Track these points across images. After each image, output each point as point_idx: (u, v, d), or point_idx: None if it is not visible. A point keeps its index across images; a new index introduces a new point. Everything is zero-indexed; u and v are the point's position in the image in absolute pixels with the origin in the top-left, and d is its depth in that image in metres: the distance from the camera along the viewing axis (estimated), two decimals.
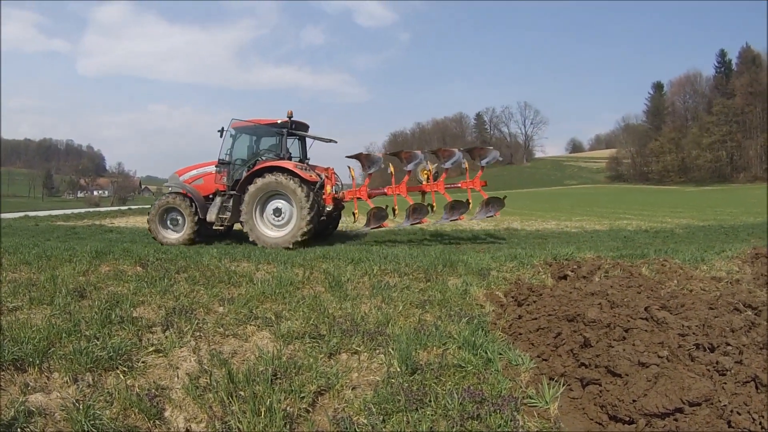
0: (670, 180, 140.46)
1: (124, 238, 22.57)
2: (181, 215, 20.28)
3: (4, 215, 43.94)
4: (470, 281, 9.65)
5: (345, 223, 24.61)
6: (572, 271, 10.07)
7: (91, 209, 64.52)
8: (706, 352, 5.55)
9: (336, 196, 20.06)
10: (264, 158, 20.07)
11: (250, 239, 18.87)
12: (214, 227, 19.99)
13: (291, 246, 17.93)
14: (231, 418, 5.28)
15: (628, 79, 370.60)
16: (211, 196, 20.50)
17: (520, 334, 7.37)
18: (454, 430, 4.98)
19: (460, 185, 19.97)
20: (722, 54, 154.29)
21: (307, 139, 22.00)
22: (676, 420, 4.70)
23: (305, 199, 18.41)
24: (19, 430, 4.99)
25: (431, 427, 5.08)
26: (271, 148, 20.64)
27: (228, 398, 5.51)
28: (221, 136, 20.33)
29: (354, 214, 20.72)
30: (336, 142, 22.79)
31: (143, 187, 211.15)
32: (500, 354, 6.60)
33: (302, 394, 5.67)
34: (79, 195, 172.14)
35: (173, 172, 21.53)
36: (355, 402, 5.65)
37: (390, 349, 6.62)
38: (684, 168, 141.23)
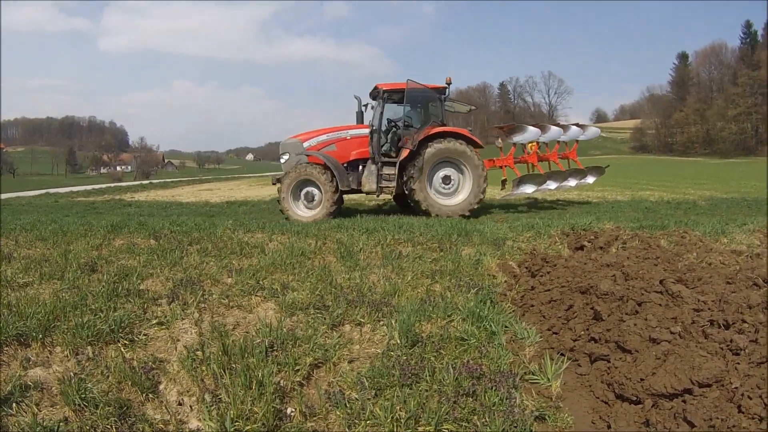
0: (694, 151, 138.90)
1: (143, 211, 22.31)
2: (317, 188, 18.15)
3: (25, 193, 43.91)
4: (484, 251, 9.56)
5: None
6: (589, 242, 9.94)
7: (113, 184, 64.29)
8: (721, 329, 5.31)
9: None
10: (430, 124, 18.72)
11: (422, 208, 17.96)
12: (377, 197, 19.50)
13: (468, 213, 18.07)
14: (222, 391, 5.17)
15: (653, 50, 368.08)
16: (345, 165, 18.83)
17: (532, 305, 7.23)
18: (446, 406, 4.79)
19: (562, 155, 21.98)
20: (748, 25, 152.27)
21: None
22: (684, 401, 4.47)
23: (481, 167, 18.37)
24: (14, 404, 4.93)
25: (423, 404, 4.89)
26: (433, 114, 19.50)
27: (220, 371, 5.41)
28: (366, 103, 20.15)
29: (503, 181, 21.08)
30: (476, 108, 22.68)
31: (166, 161, 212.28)
32: (506, 327, 6.48)
33: (297, 367, 5.56)
34: (103, 171, 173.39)
35: (288, 139, 19.50)
36: (350, 375, 5.52)
37: (393, 321, 6.47)
38: (708, 140, 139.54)
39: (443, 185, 18.56)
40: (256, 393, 5.02)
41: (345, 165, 18.80)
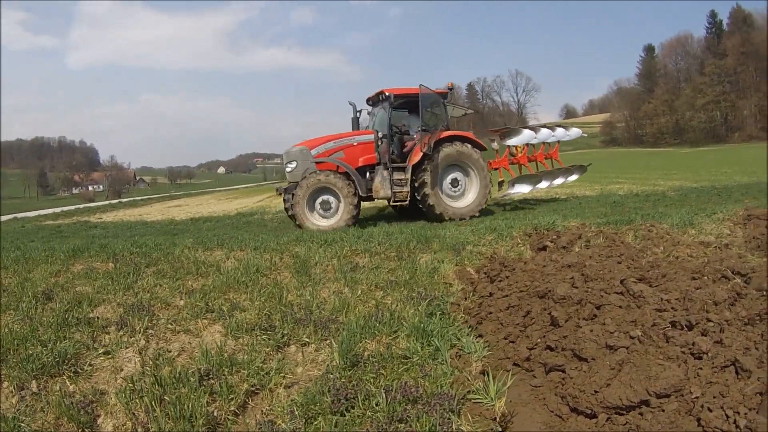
0: (664, 142, 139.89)
1: (108, 233, 21.71)
2: (334, 196, 17.54)
3: None
4: (443, 258, 9.33)
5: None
6: (551, 242, 9.71)
7: (83, 205, 63.77)
8: (684, 331, 4.99)
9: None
10: (440, 128, 18.62)
11: (436, 212, 17.89)
12: (392, 203, 18.80)
13: (477, 214, 18.32)
14: (153, 424, 4.92)
15: (619, 43, 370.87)
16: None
17: (490, 313, 6.89)
18: None
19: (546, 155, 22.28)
20: (713, 15, 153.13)
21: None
22: (640, 414, 4.16)
23: (486, 168, 18.73)
24: None
25: None
26: (440, 117, 19.38)
27: (152, 403, 5.12)
28: (360, 109, 20.35)
29: (499, 182, 21.29)
30: (473, 112, 23.11)
31: (138, 178, 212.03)
32: (456, 341, 6.16)
33: (231, 396, 5.29)
34: (75, 191, 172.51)
35: (294, 147, 18.64)
36: (285, 403, 5.23)
37: (334, 341, 6.20)
38: (678, 129, 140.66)
39: (452, 188, 18.65)
40: (187, 426, 4.78)
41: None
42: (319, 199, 17.39)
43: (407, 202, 18.20)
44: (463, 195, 18.78)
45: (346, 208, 17.25)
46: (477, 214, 18.29)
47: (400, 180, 18.05)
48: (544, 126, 22.74)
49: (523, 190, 21.03)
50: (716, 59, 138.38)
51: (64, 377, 5.79)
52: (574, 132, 23.64)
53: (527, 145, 21.37)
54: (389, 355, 5.85)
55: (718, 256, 8.05)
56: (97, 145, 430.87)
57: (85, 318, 7.07)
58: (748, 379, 4.16)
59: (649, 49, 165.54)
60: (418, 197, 18.04)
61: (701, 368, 4.34)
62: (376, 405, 4.93)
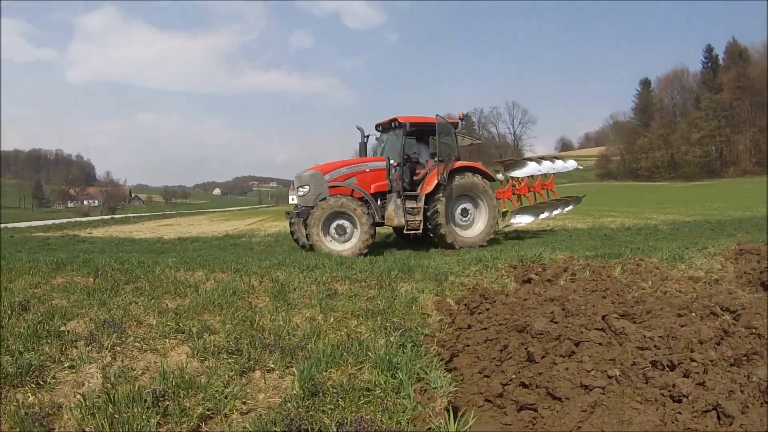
0: (659, 176, 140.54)
1: (95, 248, 21.73)
2: (349, 221, 17.41)
3: None
4: (423, 287, 9.10)
5: None
6: (536, 274, 9.45)
7: (75, 219, 63.45)
8: (665, 371, 4.73)
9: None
10: (453, 158, 18.92)
11: (447, 241, 18.14)
12: (405, 232, 18.58)
13: (485, 243, 18.73)
14: None
15: (615, 77, 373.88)
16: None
17: (468, 345, 6.65)
18: None
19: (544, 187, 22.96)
20: (709, 49, 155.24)
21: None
22: None
23: (495, 199, 19.42)
24: None
25: None
26: (453, 147, 19.58)
27: (102, 421, 4.92)
28: (368, 134, 20.54)
29: (503, 213, 21.52)
30: (481, 143, 23.88)
31: (133, 196, 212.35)
32: (424, 374, 5.85)
33: (184, 419, 5.04)
34: (69, 205, 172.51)
35: (306, 171, 18.54)
36: (237, 430, 5.00)
37: (296, 369, 5.96)
38: (673, 164, 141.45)
39: (461, 218, 19.04)
40: None
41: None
42: (334, 224, 17.28)
43: (420, 231, 18.23)
44: (472, 225, 19.19)
45: (362, 233, 17.15)
46: (485, 244, 18.57)
47: (413, 209, 18.16)
48: (542, 158, 23.43)
49: (525, 220, 21.86)
50: (712, 93, 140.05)
51: (26, 388, 5.61)
52: (571, 164, 23.92)
53: (528, 176, 21.81)
54: (351, 387, 5.59)
55: (707, 291, 7.78)
56: (94, 160, 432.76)
57: (56, 331, 6.91)
58: (730, 426, 3.91)
59: (646, 83, 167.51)
60: (430, 226, 18.24)
61: (680, 412, 4.08)
62: None
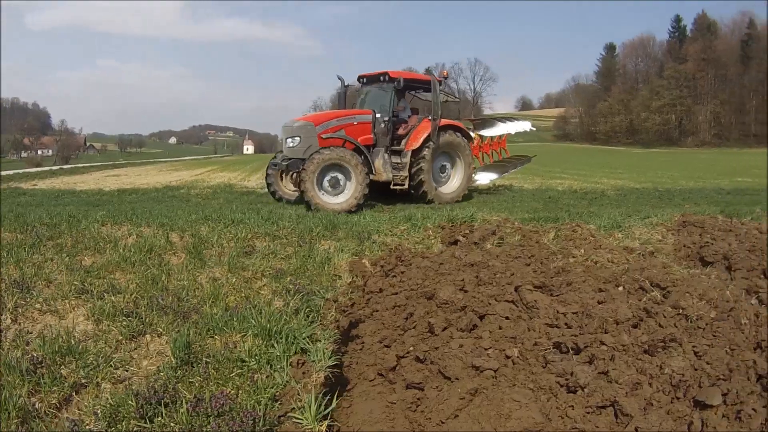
0: (617, 141, 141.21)
1: (34, 201, 20.88)
2: (344, 173, 16.65)
3: None
4: (342, 246, 8.77)
5: None
6: (464, 236, 9.20)
7: (31, 170, 61.82)
8: (568, 355, 4.31)
9: None
10: (433, 116, 18.70)
11: (429, 197, 18.19)
12: (392, 187, 18.26)
13: (460, 199, 19.11)
14: None
15: (580, 39, 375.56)
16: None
17: (376, 311, 6.33)
18: None
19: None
20: (677, 19, 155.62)
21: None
22: None
23: (470, 157, 19.69)
24: None
25: None
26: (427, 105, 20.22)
27: None
28: (348, 84, 20.41)
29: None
30: (459, 100, 23.72)
31: (88, 145, 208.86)
32: (309, 344, 5.46)
33: (54, 388, 4.72)
34: (23, 155, 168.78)
35: (296, 121, 17.82)
36: (101, 401, 4.62)
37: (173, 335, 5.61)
38: (632, 130, 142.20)
39: (440, 174, 19.22)
40: (3, 415, 4.35)
41: None
42: (328, 177, 16.55)
43: (406, 186, 18.21)
44: (448, 181, 19.44)
45: (357, 186, 16.48)
46: (460, 199, 19.03)
47: (398, 164, 18.19)
48: (507, 118, 24.21)
49: (490, 177, 22.71)
50: (676, 63, 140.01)
51: None
52: (525, 125, 24.04)
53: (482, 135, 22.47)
54: (227, 357, 5.25)
55: (640, 264, 7.39)
56: (50, 108, 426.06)
57: None
58: (626, 427, 3.46)
59: (610, 48, 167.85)
60: (413, 182, 18.22)
61: (572, 406, 3.68)
62: (177, 415, 4.37)
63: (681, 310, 5.31)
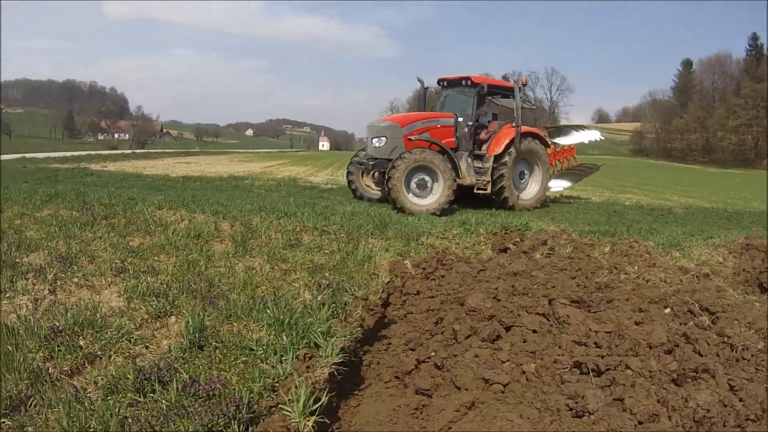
0: (693, 159, 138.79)
1: (100, 182, 21.64)
2: (431, 175, 16.50)
3: (3, 156, 42.64)
4: (388, 246, 8.78)
5: None
6: (514, 244, 9.13)
7: (100, 152, 63.05)
8: (586, 376, 4.10)
9: None
10: (515, 123, 18.84)
11: (510, 203, 18.24)
12: (475, 191, 18.12)
13: (538, 206, 19.37)
14: None
15: (658, 54, 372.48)
16: None
17: (410, 313, 6.34)
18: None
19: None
20: (754, 37, 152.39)
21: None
22: None
23: (548, 164, 19.94)
24: None
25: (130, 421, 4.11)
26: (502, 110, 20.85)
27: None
28: (427, 86, 20.53)
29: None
30: (536, 108, 24.68)
31: (165, 131, 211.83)
32: (323, 340, 5.45)
33: (68, 356, 4.99)
34: (100, 137, 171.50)
35: (382, 121, 18.39)
36: (107, 374, 4.79)
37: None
38: (708, 148, 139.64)
39: (519, 181, 19.25)
40: (15, 376, 4.62)
41: None
42: (415, 178, 16.48)
43: (489, 191, 18.13)
44: (527, 188, 19.48)
45: (444, 188, 16.34)
46: (538, 206, 19.27)
47: (480, 168, 18.09)
48: (579, 127, 24.20)
49: (564, 185, 23.41)
50: (753, 83, 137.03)
51: None
52: (594, 135, 23.87)
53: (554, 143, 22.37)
54: (236, 344, 5.34)
55: (692, 285, 7.06)
56: (128, 94, 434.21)
57: (12, 262, 6.98)
58: None
59: (687, 64, 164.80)
60: (495, 188, 18.16)
61: None
62: (167, 397, 4.44)
63: (726, 338, 4.98)
